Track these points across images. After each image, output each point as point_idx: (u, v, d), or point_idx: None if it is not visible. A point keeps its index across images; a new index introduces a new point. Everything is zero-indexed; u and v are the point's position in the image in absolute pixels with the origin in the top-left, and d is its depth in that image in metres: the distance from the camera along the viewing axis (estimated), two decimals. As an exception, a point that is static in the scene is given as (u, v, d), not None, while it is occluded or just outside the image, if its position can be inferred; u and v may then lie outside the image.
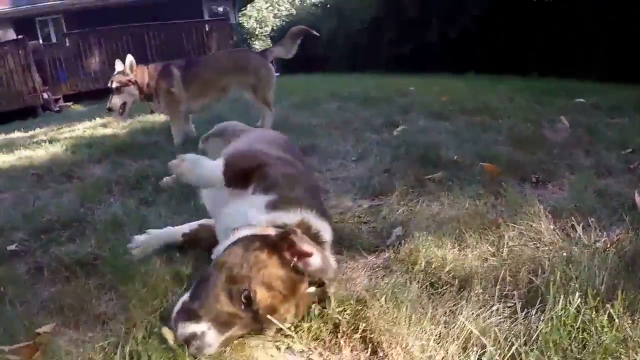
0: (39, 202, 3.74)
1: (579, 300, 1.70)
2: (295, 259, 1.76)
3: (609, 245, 2.19)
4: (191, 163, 2.36)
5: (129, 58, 5.19)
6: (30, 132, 8.37)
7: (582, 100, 6.22)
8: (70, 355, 1.73)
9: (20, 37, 16.76)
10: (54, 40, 20.89)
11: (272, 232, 1.89)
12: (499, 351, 1.55)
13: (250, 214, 2.07)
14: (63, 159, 5.32)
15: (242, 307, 1.69)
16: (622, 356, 1.50)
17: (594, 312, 1.66)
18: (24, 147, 6.41)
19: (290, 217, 2.03)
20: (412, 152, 3.97)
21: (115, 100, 5.19)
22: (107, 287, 2.30)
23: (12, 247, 2.92)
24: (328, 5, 20.16)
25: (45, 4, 21.52)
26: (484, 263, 2.16)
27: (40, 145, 6.41)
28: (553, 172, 3.44)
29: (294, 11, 35.89)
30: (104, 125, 7.50)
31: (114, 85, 5.17)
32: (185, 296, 1.80)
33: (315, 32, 5.76)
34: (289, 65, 20.60)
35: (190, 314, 1.69)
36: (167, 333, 1.70)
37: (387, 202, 2.97)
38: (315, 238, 2.01)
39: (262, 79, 5.34)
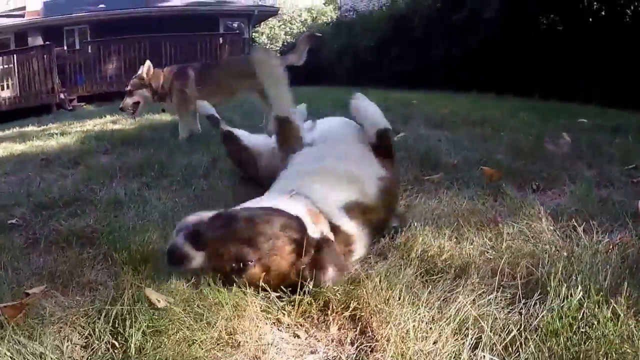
0: (44, 183, 3.74)
1: (581, 293, 1.57)
2: (309, 266, 1.70)
3: (611, 247, 2.06)
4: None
5: (147, 63, 5.32)
6: (43, 126, 8.42)
7: (584, 120, 6.08)
8: (53, 317, 1.64)
9: (47, 43, 17.84)
10: (77, 47, 21.17)
11: (317, 233, 1.81)
12: (496, 337, 1.42)
13: (328, 201, 2.01)
14: (72, 148, 5.35)
15: (234, 266, 1.65)
16: (628, 350, 1.38)
17: (596, 307, 1.53)
18: (36, 138, 6.49)
19: (352, 228, 1.98)
20: (412, 155, 3.84)
21: (127, 101, 5.35)
22: (101, 258, 2.24)
23: (13, 220, 2.90)
24: (339, 26, 20.22)
25: (74, 15, 21.97)
26: (481, 255, 2.02)
27: (51, 136, 6.48)
28: (554, 181, 3.29)
29: (304, 29, 36.10)
30: (114, 122, 7.55)
31: (128, 87, 5.34)
32: (206, 215, 1.78)
33: (318, 34, 5.80)
34: (295, 77, 20.44)
35: (197, 239, 1.68)
36: (150, 293, 1.65)
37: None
38: (348, 253, 1.97)
39: None
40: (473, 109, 7.09)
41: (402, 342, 1.42)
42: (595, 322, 1.47)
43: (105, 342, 1.50)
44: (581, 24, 9.81)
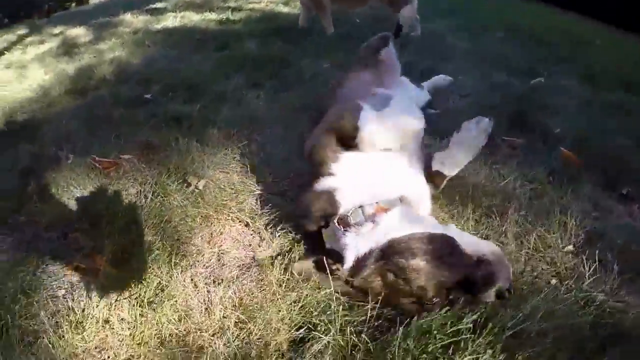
0: (188, 63, 4.10)
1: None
2: None
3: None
4: None
5: None
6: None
7: None
8: (128, 175, 2.40)
9: None
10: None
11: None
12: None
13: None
14: (228, 30, 5.53)
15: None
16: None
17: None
18: (211, 11, 6.65)
19: None
20: (508, 109, 3.18)
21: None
22: (184, 139, 2.73)
23: (148, 96, 3.42)
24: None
25: None
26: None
27: (224, 11, 6.57)
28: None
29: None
30: (285, 3, 7.32)
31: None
32: None
33: None
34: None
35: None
36: (192, 179, 2.37)
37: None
38: None
39: None
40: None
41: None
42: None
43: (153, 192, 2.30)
44: None
